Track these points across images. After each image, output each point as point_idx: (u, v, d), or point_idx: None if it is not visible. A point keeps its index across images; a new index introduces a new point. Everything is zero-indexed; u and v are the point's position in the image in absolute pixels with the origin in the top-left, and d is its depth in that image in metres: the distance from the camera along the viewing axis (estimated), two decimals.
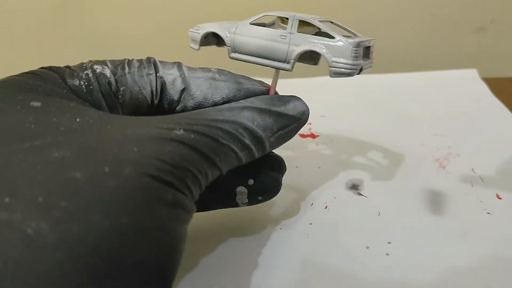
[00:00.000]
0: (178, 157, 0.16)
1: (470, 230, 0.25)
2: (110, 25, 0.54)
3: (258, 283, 0.22)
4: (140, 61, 0.22)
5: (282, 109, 0.20)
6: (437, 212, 0.26)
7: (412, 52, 0.55)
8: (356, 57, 0.19)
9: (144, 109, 0.21)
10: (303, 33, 0.20)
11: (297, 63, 0.21)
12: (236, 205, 0.23)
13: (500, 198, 0.27)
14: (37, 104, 0.17)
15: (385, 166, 0.31)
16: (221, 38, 0.22)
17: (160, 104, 0.22)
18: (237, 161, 0.19)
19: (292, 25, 0.20)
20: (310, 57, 0.22)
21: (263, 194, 0.23)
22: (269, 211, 0.27)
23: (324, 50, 0.20)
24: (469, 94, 0.43)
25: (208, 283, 0.22)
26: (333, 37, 0.20)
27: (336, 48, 0.19)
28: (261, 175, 0.22)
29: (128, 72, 0.21)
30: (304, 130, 0.37)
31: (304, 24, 0.21)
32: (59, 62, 0.21)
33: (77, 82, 0.19)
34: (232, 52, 0.22)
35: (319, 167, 0.32)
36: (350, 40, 0.19)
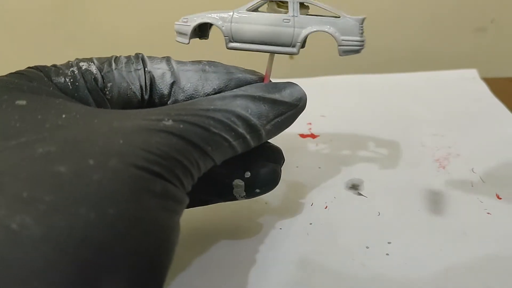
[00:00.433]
0: (166, 147, 0.16)
1: (470, 230, 0.25)
2: (110, 25, 0.54)
3: (258, 283, 0.22)
4: (128, 57, 0.22)
5: (277, 96, 0.20)
6: (437, 212, 0.26)
7: (412, 52, 0.55)
8: (362, 33, 0.21)
9: (135, 105, 0.21)
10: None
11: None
12: (234, 198, 0.22)
13: (500, 198, 0.27)
14: (22, 102, 0.17)
15: (385, 166, 0.31)
16: (205, 29, 0.22)
17: (151, 100, 0.21)
18: (232, 151, 0.19)
19: (294, 8, 0.20)
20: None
21: (261, 187, 0.22)
22: (269, 211, 0.27)
23: (333, 29, 0.20)
24: (469, 94, 0.43)
25: (208, 283, 0.22)
26: (337, 16, 0.20)
27: (344, 26, 0.20)
28: (258, 167, 0.22)
29: (115, 68, 0.21)
30: (304, 130, 0.37)
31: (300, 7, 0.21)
32: (59, 62, 0.21)
33: (62, 80, 0.20)
34: (230, 42, 0.21)
35: (319, 167, 0.32)
36: (356, 17, 0.20)
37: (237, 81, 0.22)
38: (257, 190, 0.22)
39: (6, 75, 0.19)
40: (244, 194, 0.22)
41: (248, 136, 0.19)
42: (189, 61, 0.22)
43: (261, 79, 0.22)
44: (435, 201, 0.27)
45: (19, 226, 0.12)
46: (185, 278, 0.22)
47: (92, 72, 0.20)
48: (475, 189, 0.28)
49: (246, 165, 0.22)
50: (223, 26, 0.21)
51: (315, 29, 0.20)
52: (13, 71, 0.20)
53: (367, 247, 0.24)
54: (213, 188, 0.22)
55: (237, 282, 0.22)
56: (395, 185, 0.29)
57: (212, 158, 0.18)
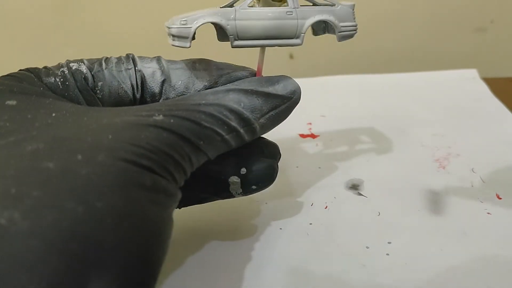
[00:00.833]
0: (156, 141, 0.16)
1: (470, 230, 0.25)
2: (110, 25, 0.54)
3: (258, 283, 0.22)
4: (118, 58, 0.22)
5: (270, 89, 0.20)
6: (437, 212, 0.26)
7: (412, 52, 0.55)
8: (354, 18, 0.22)
9: (127, 104, 0.21)
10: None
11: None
12: (231, 195, 0.22)
13: (500, 198, 0.27)
14: (12, 102, 0.17)
15: (385, 166, 0.31)
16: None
17: (143, 99, 0.22)
18: (225, 145, 0.19)
19: (294, 0, 0.21)
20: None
21: (257, 183, 0.22)
22: (269, 211, 0.27)
23: (332, 17, 0.21)
24: (469, 94, 0.43)
25: (205, 283, 0.22)
26: (332, 4, 0.21)
27: (341, 13, 0.21)
28: (253, 163, 0.22)
29: (106, 68, 0.21)
30: (304, 130, 0.37)
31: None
32: (59, 62, 0.21)
33: (52, 79, 0.20)
34: (235, 40, 0.21)
35: (319, 167, 0.32)
36: (348, 4, 0.21)
37: (227, 77, 0.22)
38: (254, 187, 0.22)
39: None
40: (241, 191, 0.22)
41: (241, 130, 0.19)
42: (180, 60, 0.22)
43: (252, 74, 0.22)
44: (435, 201, 0.27)
45: (7, 221, 0.12)
46: (179, 277, 0.22)
47: (82, 71, 0.20)
48: (475, 189, 0.28)
49: (242, 161, 0.22)
50: (228, 25, 0.20)
51: (317, 19, 0.21)
52: (13, 71, 0.20)
53: (367, 247, 0.24)
54: (209, 186, 0.22)
55: (237, 282, 0.22)
56: (395, 185, 0.29)
57: (205, 152, 0.18)
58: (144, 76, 0.21)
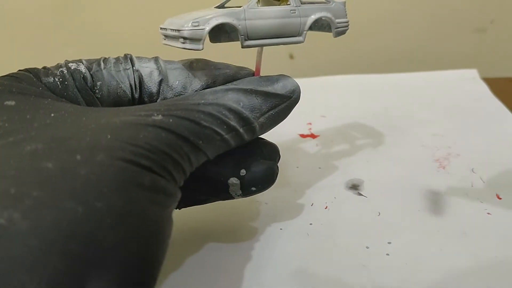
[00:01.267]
0: (155, 141, 0.16)
1: (470, 230, 0.25)
2: (110, 25, 0.54)
3: (258, 283, 0.22)
4: (116, 58, 0.22)
5: (269, 88, 0.20)
6: (437, 212, 0.26)
7: (412, 52, 0.55)
8: (346, 14, 0.23)
9: (126, 104, 0.21)
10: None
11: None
12: (231, 197, 0.22)
13: (500, 198, 0.27)
14: (11, 103, 0.17)
15: (385, 166, 0.31)
16: None
17: (141, 99, 0.22)
18: (225, 145, 0.19)
19: None
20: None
21: (257, 185, 0.21)
22: (269, 211, 0.27)
23: (329, 14, 0.22)
24: (469, 94, 0.43)
25: (205, 284, 0.22)
26: (327, 2, 0.22)
27: (336, 10, 0.22)
28: (253, 165, 0.21)
29: (104, 68, 0.21)
30: (304, 130, 0.37)
31: None
32: (58, 62, 0.21)
33: (51, 79, 0.20)
34: (245, 40, 0.20)
35: (319, 167, 0.32)
36: (341, 1, 0.22)
37: (225, 77, 0.22)
38: (253, 188, 0.22)
39: None
40: (240, 192, 0.22)
41: (241, 130, 0.19)
42: (178, 60, 0.22)
43: (250, 74, 0.22)
44: (435, 201, 0.27)
45: (7, 221, 0.12)
46: (179, 277, 0.22)
47: (81, 71, 0.20)
48: (475, 189, 0.28)
49: (241, 162, 0.21)
50: (239, 25, 0.20)
51: (318, 16, 0.21)
52: (13, 71, 0.20)
53: (367, 247, 0.24)
54: (208, 187, 0.22)
55: (236, 282, 0.22)
56: (395, 185, 0.29)
57: (204, 152, 0.18)
58: (142, 76, 0.21)
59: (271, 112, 0.20)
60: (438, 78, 0.47)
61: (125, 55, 0.22)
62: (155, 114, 0.17)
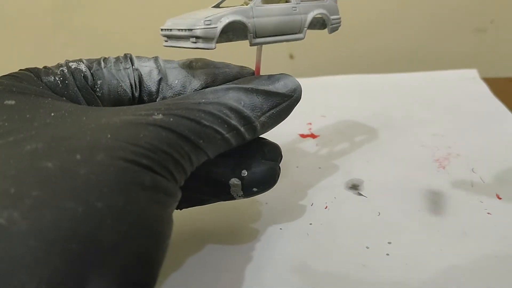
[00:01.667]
0: (155, 140, 0.16)
1: (470, 230, 0.25)
2: (110, 26, 0.54)
3: (258, 283, 0.22)
4: (116, 57, 0.22)
5: (270, 87, 0.20)
6: (437, 212, 0.26)
7: (412, 52, 0.55)
8: (338, 11, 0.23)
9: (126, 103, 0.21)
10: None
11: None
12: (232, 198, 0.22)
13: (500, 198, 0.27)
14: (11, 102, 0.17)
15: (385, 166, 0.31)
16: None
17: (141, 98, 0.22)
18: (225, 144, 0.19)
19: None
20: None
21: (258, 186, 0.21)
22: (269, 211, 0.27)
23: (325, 11, 0.22)
24: (469, 94, 0.43)
25: (205, 284, 0.22)
26: None
27: (330, 7, 0.23)
28: (254, 165, 0.21)
29: (104, 67, 0.21)
30: (304, 130, 0.37)
31: None
32: (59, 62, 0.21)
33: (52, 78, 0.20)
34: (254, 38, 0.20)
35: (319, 167, 0.32)
36: None
37: (224, 76, 0.22)
38: (255, 189, 0.21)
39: None
40: (242, 193, 0.21)
41: (242, 129, 0.19)
42: (177, 60, 0.22)
43: (250, 73, 0.22)
44: (435, 201, 0.27)
45: (7, 221, 0.12)
46: (179, 277, 0.22)
47: (81, 70, 0.20)
48: (475, 189, 0.28)
49: (242, 163, 0.21)
50: (248, 23, 0.20)
51: (316, 13, 0.22)
52: (13, 71, 0.20)
53: (367, 247, 0.24)
54: (209, 188, 0.22)
55: (236, 282, 0.22)
56: (395, 185, 0.29)
57: (205, 151, 0.18)
58: (141, 75, 0.21)
59: (272, 111, 0.20)
60: (438, 78, 0.47)
61: (125, 55, 0.22)
62: (156, 113, 0.17)
